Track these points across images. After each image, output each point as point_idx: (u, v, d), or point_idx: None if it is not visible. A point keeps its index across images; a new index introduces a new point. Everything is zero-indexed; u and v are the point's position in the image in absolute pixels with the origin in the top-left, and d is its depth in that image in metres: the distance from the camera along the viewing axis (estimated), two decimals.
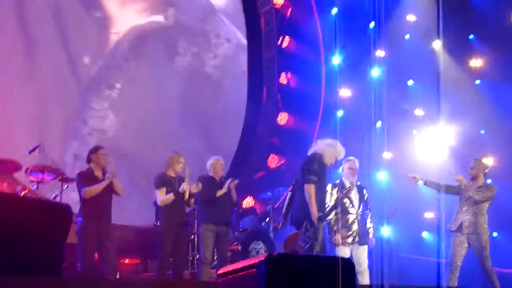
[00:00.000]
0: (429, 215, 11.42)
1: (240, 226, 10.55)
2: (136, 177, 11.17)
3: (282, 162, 13.35)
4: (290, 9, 13.90)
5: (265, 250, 9.90)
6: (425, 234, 11.61)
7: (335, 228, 7.68)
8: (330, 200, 7.67)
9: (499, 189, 8.25)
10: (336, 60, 11.93)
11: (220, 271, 5.49)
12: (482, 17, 11.79)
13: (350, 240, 7.77)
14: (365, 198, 8.01)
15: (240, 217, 10.81)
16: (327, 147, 7.35)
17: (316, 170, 7.10)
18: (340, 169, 8.10)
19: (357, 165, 8.06)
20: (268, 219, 10.87)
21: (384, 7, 11.40)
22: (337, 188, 7.84)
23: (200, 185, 8.10)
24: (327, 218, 7.51)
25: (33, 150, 8.98)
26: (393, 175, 10.64)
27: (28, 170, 8.88)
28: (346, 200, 7.82)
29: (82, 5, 11.96)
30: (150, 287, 6.84)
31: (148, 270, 10.03)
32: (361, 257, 7.81)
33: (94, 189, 7.54)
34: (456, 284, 7.98)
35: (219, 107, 13.34)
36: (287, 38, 13.80)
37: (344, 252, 7.62)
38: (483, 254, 7.92)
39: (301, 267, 4.52)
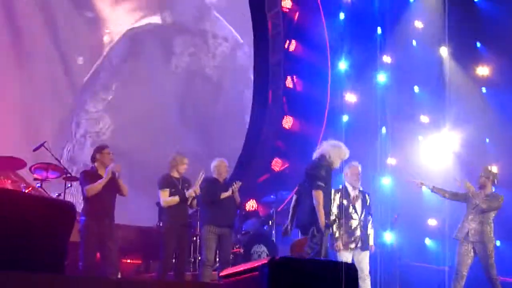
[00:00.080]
0: (432, 222, 11.39)
1: (242, 229, 10.54)
2: (135, 177, 11.13)
3: (286, 165, 13.34)
4: (297, 13, 13.91)
5: (267, 254, 9.89)
6: (428, 241, 11.59)
7: (337, 235, 7.66)
8: (332, 206, 7.66)
9: (503, 197, 8.23)
10: (343, 65, 11.93)
11: (223, 273, 5.50)
12: (490, 25, 11.79)
13: (352, 245, 7.76)
14: (368, 204, 7.99)
15: (243, 220, 10.80)
16: (332, 149, 7.36)
17: (324, 176, 7.12)
18: (343, 174, 8.08)
19: (360, 170, 8.05)
20: (271, 222, 10.85)
21: (391, 13, 11.41)
22: (339, 193, 7.83)
23: (198, 189, 8.10)
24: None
25: (38, 148, 9.00)
26: (397, 181, 10.62)
27: (32, 168, 8.89)
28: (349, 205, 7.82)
29: (72, 5, 11.82)
30: (151, 287, 6.82)
31: (150, 270, 10.02)
32: (363, 262, 7.79)
33: (96, 186, 7.53)
34: None
35: (218, 107, 13.26)
36: (293, 42, 13.80)
37: (346, 257, 7.61)
38: (489, 263, 7.90)
39: (304, 271, 4.53)
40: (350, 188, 7.91)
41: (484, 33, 11.89)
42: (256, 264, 4.63)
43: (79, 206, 7.90)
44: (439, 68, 11.17)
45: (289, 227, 7.48)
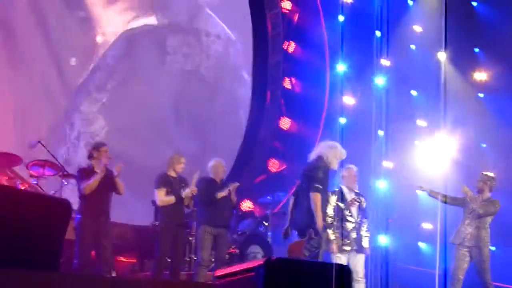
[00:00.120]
0: (427, 225, 11.41)
1: (238, 229, 10.55)
2: (130, 178, 11.06)
3: (283, 167, 13.34)
4: (297, 14, 13.92)
5: (262, 255, 9.89)
6: (422, 245, 11.60)
7: (332, 238, 7.66)
8: (328, 208, 7.66)
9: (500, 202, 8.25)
10: (341, 67, 11.94)
11: (218, 273, 5.50)
12: (488, 31, 11.82)
13: (348, 248, 7.76)
14: (363, 206, 8.00)
15: (239, 220, 10.81)
16: (329, 150, 7.37)
17: (321, 178, 7.13)
18: (339, 176, 8.09)
19: (356, 172, 8.05)
20: (267, 223, 10.86)
21: (390, 17, 11.42)
22: (336, 196, 7.84)
23: (195, 189, 8.10)
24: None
25: (34, 145, 8.99)
26: (393, 184, 10.63)
27: (29, 165, 8.89)
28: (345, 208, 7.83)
29: (64, 4, 11.72)
30: (146, 286, 6.82)
31: (145, 269, 10.01)
32: (358, 265, 7.80)
33: (92, 183, 7.53)
34: None
35: (213, 107, 13.21)
36: (292, 44, 13.81)
37: (341, 259, 7.62)
38: (483, 267, 7.93)
39: (300, 272, 4.53)
40: (346, 191, 7.92)
41: (482, 38, 11.93)
42: (252, 265, 4.63)
43: (75, 204, 7.89)
44: (437, 73, 11.18)
45: (289, 229, 7.48)
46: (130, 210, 10.55)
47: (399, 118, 11.26)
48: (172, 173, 8.21)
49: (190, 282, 8.39)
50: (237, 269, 4.94)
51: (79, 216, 7.55)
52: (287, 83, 13.83)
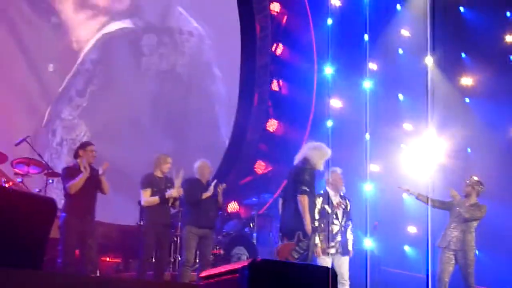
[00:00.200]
0: (412, 229, 11.46)
1: (223, 230, 10.54)
2: (113, 180, 11.00)
3: (269, 169, 13.35)
4: (286, 16, 13.94)
5: (247, 257, 9.89)
6: (407, 248, 11.65)
7: (317, 241, 7.67)
8: (314, 211, 7.67)
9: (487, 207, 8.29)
10: (329, 70, 11.97)
11: (202, 274, 5.48)
12: (475, 37, 11.91)
13: (333, 250, 7.77)
14: (348, 209, 8.02)
15: (225, 221, 10.80)
16: (313, 151, 7.41)
17: (308, 181, 7.17)
18: (324, 179, 8.09)
19: (341, 175, 8.06)
20: (252, 225, 10.86)
21: (378, 21, 11.45)
22: (321, 198, 7.85)
23: (181, 190, 8.08)
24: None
25: (20, 142, 8.94)
26: (379, 188, 10.67)
27: (14, 163, 8.83)
28: (330, 210, 7.83)
29: (31, 11, 11.57)
30: (130, 286, 6.79)
31: (129, 269, 9.98)
32: (343, 267, 7.81)
33: (78, 182, 7.49)
34: None
35: (189, 104, 13.12)
36: (280, 46, 13.83)
37: (326, 262, 7.62)
38: (468, 271, 7.99)
39: (284, 274, 4.53)
40: (332, 193, 7.93)
41: (469, 43, 12.01)
42: (237, 266, 4.62)
43: (60, 202, 7.85)
44: (424, 77, 11.24)
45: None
46: (115, 209, 10.50)
47: (386, 122, 11.31)
48: (159, 173, 8.19)
49: (174, 283, 8.36)
50: (222, 270, 4.92)
51: (64, 214, 7.50)
52: (274, 85, 13.85)
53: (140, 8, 12.78)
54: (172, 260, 9.46)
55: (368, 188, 10.93)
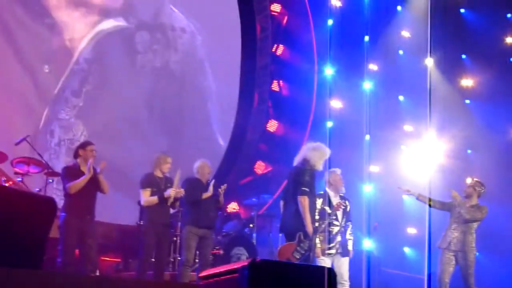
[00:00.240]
0: (411, 230, 11.45)
1: (223, 231, 10.54)
2: (112, 179, 11.00)
3: (269, 169, 13.35)
4: (286, 17, 13.94)
5: (247, 257, 9.89)
6: (407, 249, 11.65)
7: (316, 241, 7.67)
8: (314, 212, 7.67)
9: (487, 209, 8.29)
10: (329, 71, 11.98)
11: (202, 274, 5.48)
12: (475, 38, 11.92)
13: (332, 251, 7.77)
14: (348, 210, 8.02)
15: (224, 222, 10.80)
16: (313, 152, 7.42)
17: (308, 181, 7.19)
18: (324, 179, 8.09)
19: (341, 176, 8.06)
20: (252, 225, 10.86)
21: (379, 21, 11.46)
22: (321, 199, 7.85)
23: (182, 190, 8.08)
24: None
25: (20, 142, 8.94)
26: (379, 189, 10.67)
27: (14, 162, 8.83)
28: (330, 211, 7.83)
29: (24, 12, 11.48)
30: (130, 286, 6.79)
31: (129, 269, 9.98)
32: (342, 268, 7.81)
33: (78, 183, 7.49)
34: None
35: (183, 101, 13.08)
36: (281, 46, 13.82)
37: (325, 262, 7.62)
38: (468, 272, 8.00)
39: (284, 274, 4.53)
40: (331, 194, 7.93)
41: (470, 45, 12.02)
42: (236, 266, 4.63)
43: (60, 201, 7.86)
44: (424, 78, 11.24)
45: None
46: (115, 209, 10.50)
47: (386, 123, 11.32)
48: (159, 173, 8.19)
49: (174, 283, 8.36)
50: (221, 270, 4.93)
51: (63, 214, 7.50)
52: (275, 86, 13.85)
53: (131, 5, 12.75)
54: (172, 260, 9.46)
55: (368, 189, 10.95)
